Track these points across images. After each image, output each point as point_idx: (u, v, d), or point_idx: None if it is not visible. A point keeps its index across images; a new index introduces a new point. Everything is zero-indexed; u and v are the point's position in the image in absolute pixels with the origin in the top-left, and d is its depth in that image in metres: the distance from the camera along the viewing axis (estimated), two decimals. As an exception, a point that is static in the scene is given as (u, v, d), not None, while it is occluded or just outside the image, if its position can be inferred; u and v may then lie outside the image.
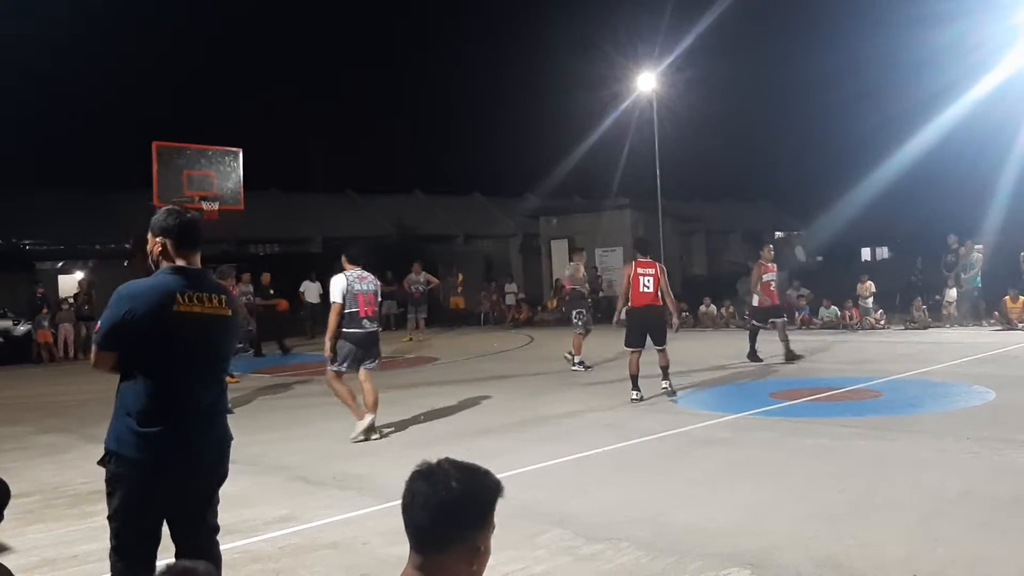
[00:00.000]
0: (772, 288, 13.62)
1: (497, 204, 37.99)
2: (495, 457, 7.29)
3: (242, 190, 18.95)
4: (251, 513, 6.12)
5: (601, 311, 24.77)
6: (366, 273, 8.81)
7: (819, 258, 29.31)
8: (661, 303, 10.48)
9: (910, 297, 19.60)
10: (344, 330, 8.58)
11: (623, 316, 10.65)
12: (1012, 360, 12.62)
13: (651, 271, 10.35)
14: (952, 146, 26.09)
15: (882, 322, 18.51)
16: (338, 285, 8.62)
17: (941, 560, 4.62)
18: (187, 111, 36.30)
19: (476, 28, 58.20)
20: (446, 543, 1.98)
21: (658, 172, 26.06)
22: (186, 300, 3.48)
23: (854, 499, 5.85)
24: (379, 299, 8.96)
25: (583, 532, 5.33)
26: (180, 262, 3.60)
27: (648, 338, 10.32)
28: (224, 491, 6.76)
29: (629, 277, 10.39)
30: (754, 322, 13.69)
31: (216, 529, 3.80)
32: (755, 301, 13.68)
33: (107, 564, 5.06)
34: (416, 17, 59.61)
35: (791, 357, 13.14)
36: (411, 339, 20.22)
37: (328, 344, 8.66)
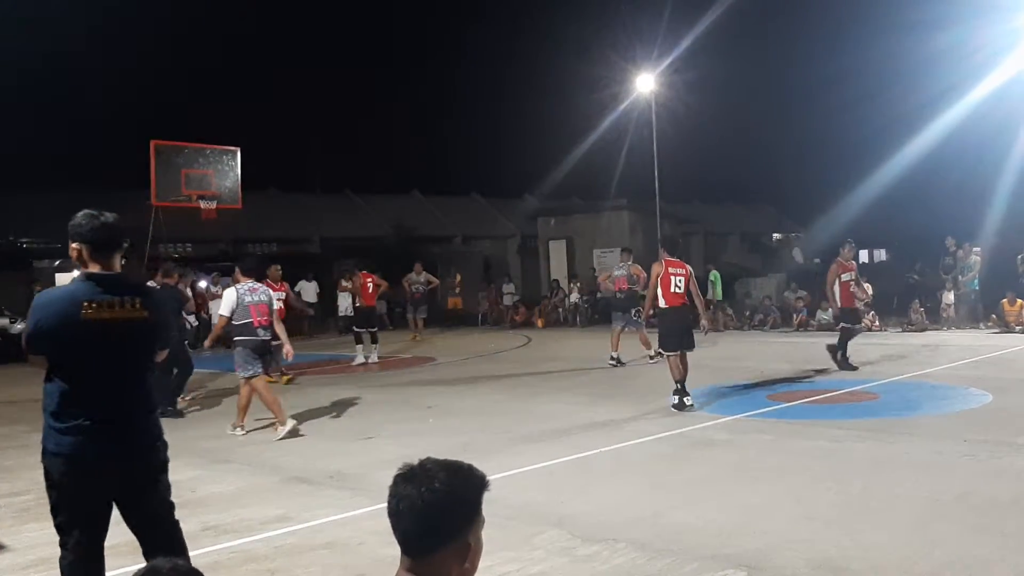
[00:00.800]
0: (852, 289, 12.69)
1: (496, 205, 37.97)
2: (492, 457, 7.29)
3: (240, 189, 18.93)
4: (246, 513, 6.11)
5: (599, 312, 24.83)
6: (258, 285, 9.42)
7: (817, 260, 29.30)
8: (690, 305, 10.05)
9: (908, 299, 19.60)
10: (241, 338, 9.09)
11: (652, 315, 10.29)
12: (1009, 363, 12.62)
13: (682, 271, 9.89)
14: (951, 149, 26.14)
15: (876, 323, 18.50)
16: (228, 299, 9.15)
17: (938, 562, 4.62)
18: (186, 110, 36.31)
19: (475, 29, 58.18)
20: (436, 544, 1.95)
21: (656, 173, 26.06)
22: (93, 307, 3.60)
23: (851, 501, 5.85)
24: (273, 308, 9.39)
25: (580, 533, 5.32)
26: (95, 267, 3.72)
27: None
28: (219, 491, 6.81)
29: (658, 276, 9.83)
30: (844, 324, 12.56)
31: (170, 514, 3.96)
32: (838, 302, 12.60)
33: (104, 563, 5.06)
34: (415, 17, 59.69)
35: (845, 365, 12.13)
36: (416, 337, 20.28)
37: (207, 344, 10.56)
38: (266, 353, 9.41)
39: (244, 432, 9.32)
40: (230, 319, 9.08)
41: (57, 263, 24.53)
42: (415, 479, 1.98)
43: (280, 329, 9.55)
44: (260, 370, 9.24)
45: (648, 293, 10.10)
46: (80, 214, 3.79)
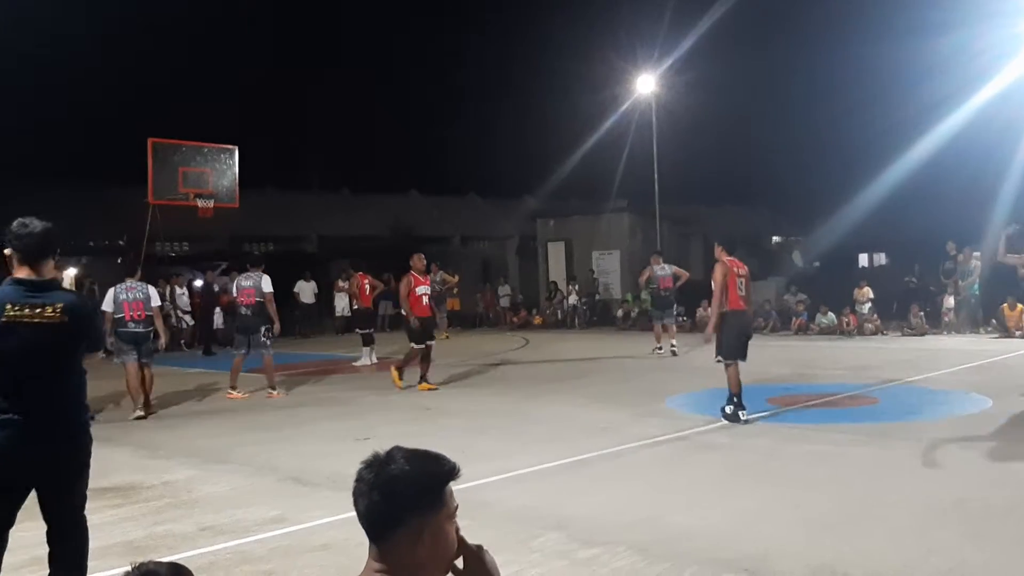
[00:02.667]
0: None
1: (494, 206, 37.90)
2: (490, 459, 7.25)
3: (238, 188, 18.87)
4: (242, 513, 6.07)
5: (597, 314, 24.82)
6: (135, 284, 10.71)
7: (816, 263, 29.27)
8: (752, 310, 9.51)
9: (908, 303, 19.57)
10: (118, 331, 10.46)
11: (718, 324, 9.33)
12: (1009, 368, 12.60)
13: (744, 271, 9.14)
14: (952, 154, 26.07)
15: (876, 326, 18.49)
16: (108, 296, 10.66)
17: (936, 569, 4.59)
18: (183, 107, 36.22)
19: (475, 29, 58.15)
20: (384, 527, 1.93)
21: (656, 175, 26.03)
22: (15, 309, 3.89)
23: (850, 506, 5.81)
24: (150, 304, 10.70)
25: (579, 536, 5.28)
26: (23, 272, 3.99)
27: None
28: (215, 491, 6.77)
29: (724, 277, 8.97)
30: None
31: (80, 506, 4.16)
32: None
33: (97, 562, 5.01)
34: (415, 17, 59.63)
35: None
36: (447, 336, 20.52)
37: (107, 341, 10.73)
38: (140, 343, 10.58)
39: (143, 415, 10.48)
40: (112, 313, 10.45)
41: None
42: (374, 464, 1.99)
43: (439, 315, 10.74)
44: (133, 358, 10.49)
45: (715, 297, 9.11)
46: (15, 222, 4.06)
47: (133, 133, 24.04)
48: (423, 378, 12.18)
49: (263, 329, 11.67)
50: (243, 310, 11.75)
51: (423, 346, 12.16)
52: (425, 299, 12.24)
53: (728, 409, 8.84)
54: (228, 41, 49.13)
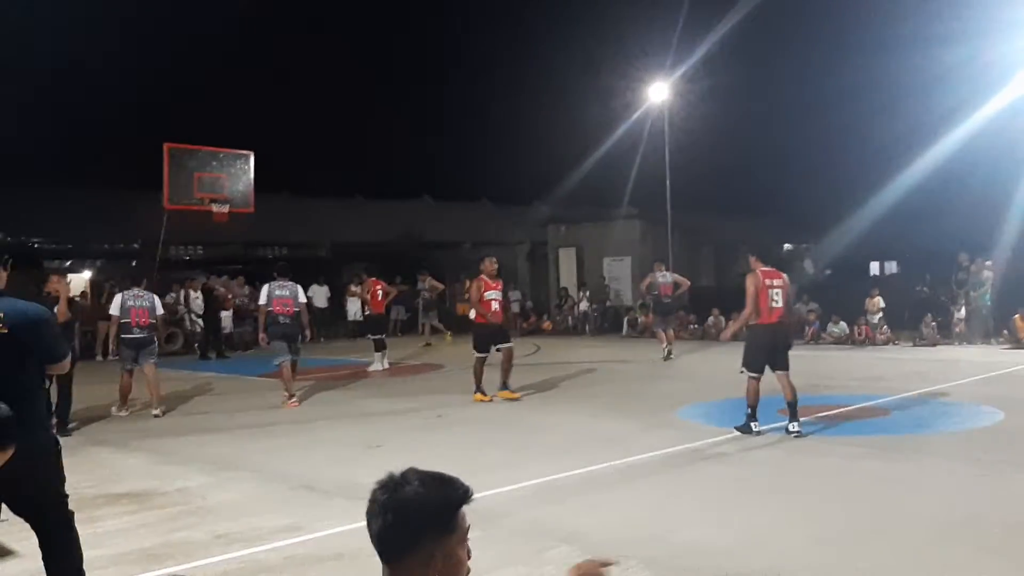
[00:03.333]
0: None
1: (506, 212, 37.89)
2: (500, 470, 7.29)
3: (253, 193, 18.99)
4: (256, 521, 6.11)
5: (608, 320, 24.84)
6: (142, 292, 11.29)
7: (828, 271, 29.19)
8: (788, 320, 9.39)
9: (919, 313, 19.52)
10: (122, 336, 11.02)
11: (740, 332, 9.42)
12: (1021, 380, 12.58)
13: (779, 282, 8.96)
14: (963, 163, 26.00)
15: (887, 336, 18.44)
16: (116, 301, 11.33)
17: (949, 586, 4.60)
18: (199, 112, 36.41)
19: (488, 36, 58.28)
20: (397, 551, 1.95)
21: (668, 183, 26.03)
22: None
23: (861, 520, 5.82)
24: (155, 312, 11.33)
25: (588, 550, 5.29)
26: None
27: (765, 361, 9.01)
28: (229, 499, 6.82)
29: (756, 287, 8.84)
30: None
31: (64, 521, 4.22)
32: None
33: (113, 569, 5.08)
34: (427, 24, 59.78)
35: None
36: (433, 343, 20.39)
37: (111, 346, 11.91)
38: (143, 347, 11.09)
39: (127, 413, 11.13)
40: (119, 318, 11.06)
41: (67, 264, 24.65)
42: (388, 485, 2.00)
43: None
44: (132, 365, 11.07)
45: (745, 309, 8.95)
46: None
47: (149, 136, 24.23)
48: (504, 385, 11.79)
49: (300, 337, 12.03)
50: (283, 319, 11.69)
51: (485, 354, 11.77)
52: (495, 304, 11.84)
53: (792, 426, 8.71)
54: (243, 46, 49.39)
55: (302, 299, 12.02)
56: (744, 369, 8.98)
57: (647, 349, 17.85)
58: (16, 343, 3.98)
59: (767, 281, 8.86)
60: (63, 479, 4.24)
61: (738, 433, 8.77)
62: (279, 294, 11.78)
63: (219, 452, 8.70)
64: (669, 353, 16.18)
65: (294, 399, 11.74)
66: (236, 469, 7.87)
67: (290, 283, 11.92)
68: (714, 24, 27.20)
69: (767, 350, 8.89)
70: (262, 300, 11.96)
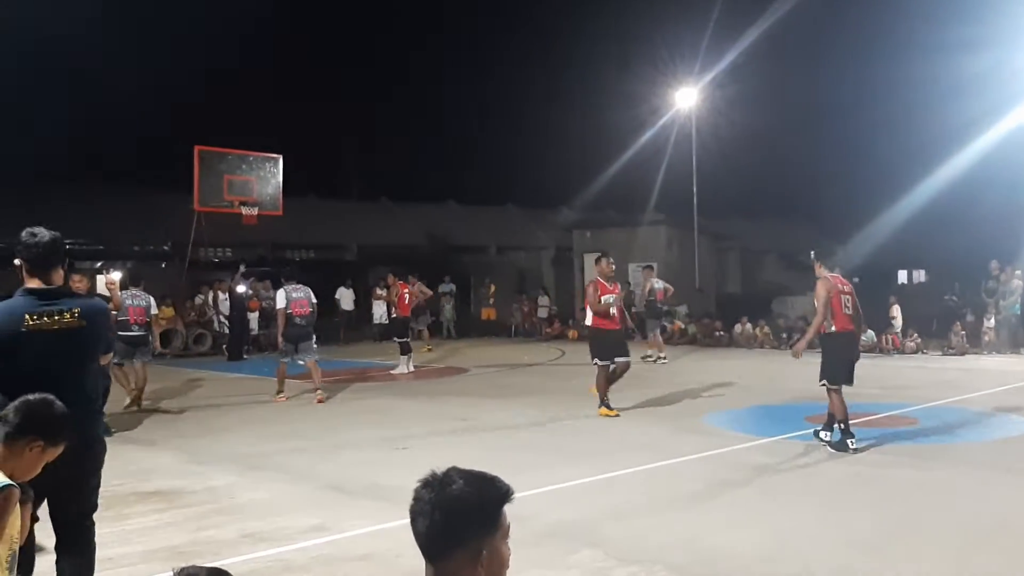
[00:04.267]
0: None
1: (531, 216, 37.93)
2: (526, 473, 7.28)
3: (281, 196, 19.14)
4: (284, 521, 6.16)
5: (634, 326, 24.75)
6: (139, 292, 11.85)
7: (856, 279, 28.99)
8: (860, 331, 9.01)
9: (948, 322, 19.32)
10: (120, 333, 11.10)
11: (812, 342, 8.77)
12: (1053, 390, 12.39)
13: (849, 288, 8.55)
14: (993, 170, 25.71)
15: (916, 345, 18.26)
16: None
17: (981, 596, 4.55)
18: (228, 115, 36.74)
19: (515, 40, 58.35)
20: (446, 549, 1.99)
21: (695, 188, 25.97)
22: (34, 319, 3.95)
23: (890, 528, 5.78)
24: (150, 311, 11.94)
25: (615, 554, 5.30)
26: (33, 282, 4.05)
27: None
28: (256, 498, 6.88)
29: (828, 292, 8.39)
30: None
31: (87, 518, 4.17)
32: None
33: (142, 567, 5.13)
34: (454, 28, 59.89)
35: None
36: (429, 349, 20.10)
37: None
38: (139, 345, 11.68)
39: (137, 409, 11.55)
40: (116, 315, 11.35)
41: (99, 264, 24.94)
42: (433, 484, 2.03)
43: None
44: (127, 361, 11.53)
45: (817, 317, 8.50)
46: (24, 232, 4.13)
47: (180, 137, 24.49)
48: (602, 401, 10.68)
49: (314, 337, 12.48)
50: (299, 320, 12.20)
51: (607, 363, 10.62)
52: (613, 309, 10.69)
53: (824, 435, 8.39)
54: (271, 49, 49.81)
55: (314, 299, 12.53)
56: (825, 382, 8.41)
57: (674, 355, 17.80)
58: (90, 335, 4.11)
59: (839, 286, 8.45)
60: (100, 475, 4.30)
61: (766, 440, 8.71)
62: (295, 296, 12.21)
63: (246, 452, 8.77)
64: (658, 359, 16.62)
65: (282, 395, 12.34)
66: (263, 469, 7.93)
67: (302, 285, 12.42)
68: (742, 29, 27.14)
69: (848, 359, 8.42)
70: (280, 304, 12.33)
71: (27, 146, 30.06)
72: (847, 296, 8.46)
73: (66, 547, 4.03)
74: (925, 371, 15.10)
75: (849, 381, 8.41)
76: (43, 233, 4.13)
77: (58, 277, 4.14)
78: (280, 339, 12.51)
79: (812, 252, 9.28)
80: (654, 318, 17.48)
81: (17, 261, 4.11)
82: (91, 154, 34.60)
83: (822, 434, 8.46)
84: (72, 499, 4.05)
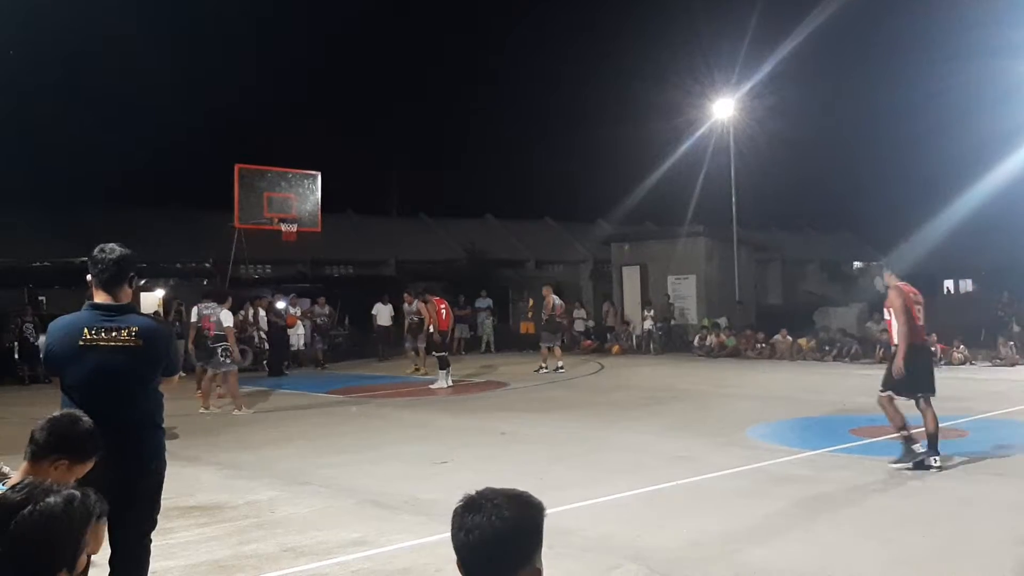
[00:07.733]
0: None
1: (569, 229, 37.92)
2: (567, 488, 7.24)
3: (320, 213, 19.30)
4: (324, 535, 6.16)
5: (673, 340, 24.56)
6: (212, 305, 12.63)
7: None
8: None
9: (997, 332, 18.92)
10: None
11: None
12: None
13: (920, 298, 8.21)
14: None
15: (965, 355, 17.91)
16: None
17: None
18: (268, 132, 37.26)
19: (552, 55, 58.52)
20: (508, 572, 1.96)
21: (734, 199, 25.75)
22: (92, 333, 4.00)
23: (940, 544, 5.64)
24: (222, 324, 12.49)
25: (657, 568, 5.23)
26: (100, 297, 4.09)
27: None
28: (297, 512, 6.90)
29: (904, 301, 8.03)
30: None
31: (144, 537, 4.16)
32: None
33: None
34: (492, 45, 60.26)
35: None
36: (418, 370, 18.51)
37: None
38: (212, 355, 12.55)
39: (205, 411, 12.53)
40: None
41: (143, 282, 25.33)
42: (482, 509, 1.98)
43: None
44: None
45: (900, 326, 8.03)
46: (96, 248, 4.16)
47: (221, 156, 24.86)
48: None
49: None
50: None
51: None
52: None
53: (934, 460, 7.79)
54: (311, 67, 50.42)
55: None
56: (921, 395, 8.03)
57: (715, 368, 17.64)
58: (146, 356, 4.10)
59: (911, 296, 8.14)
60: (160, 495, 4.29)
61: (809, 452, 8.56)
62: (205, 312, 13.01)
63: (287, 466, 8.80)
64: (556, 369, 17.82)
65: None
66: (304, 483, 7.95)
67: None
68: (781, 39, 26.94)
69: (928, 369, 8.15)
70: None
71: (97, 168, 30.90)
72: (920, 306, 8.18)
73: (121, 562, 4.03)
74: (974, 382, 14.77)
75: (932, 390, 8.07)
76: (113, 249, 4.15)
77: (125, 295, 4.15)
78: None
79: (882, 261, 9.00)
80: (552, 331, 18.71)
81: (89, 277, 4.16)
82: (134, 171, 35.15)
83: (930, 460, 7.76)
84: (131, 520, 4.01)
